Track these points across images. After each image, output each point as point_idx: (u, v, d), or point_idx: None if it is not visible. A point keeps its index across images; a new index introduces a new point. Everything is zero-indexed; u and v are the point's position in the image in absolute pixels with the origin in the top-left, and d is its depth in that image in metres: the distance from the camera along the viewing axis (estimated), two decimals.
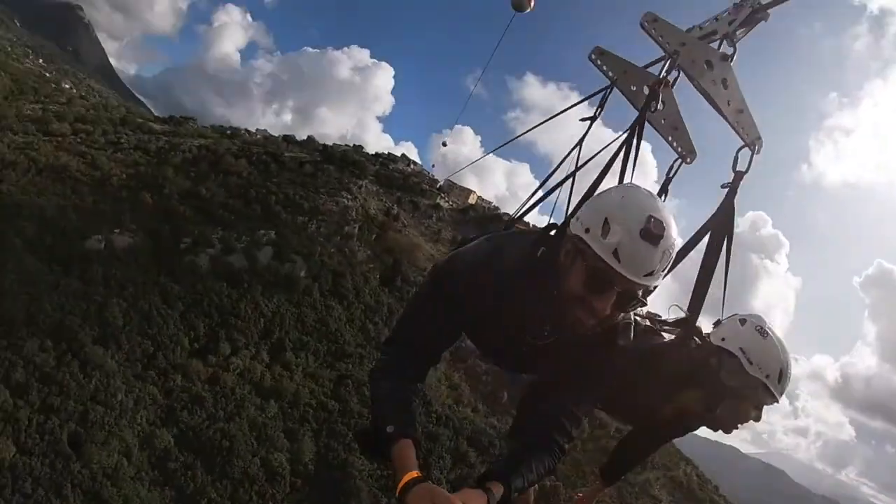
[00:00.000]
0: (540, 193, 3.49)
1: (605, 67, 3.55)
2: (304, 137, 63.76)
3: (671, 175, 3.49)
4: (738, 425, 2.53)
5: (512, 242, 2.21)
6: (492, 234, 2.44)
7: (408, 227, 51.97)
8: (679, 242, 1.95)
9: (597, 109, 3.65)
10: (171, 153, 51.36)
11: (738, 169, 3.18)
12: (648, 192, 1.99)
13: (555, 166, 3.62)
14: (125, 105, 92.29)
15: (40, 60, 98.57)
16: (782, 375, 2.40)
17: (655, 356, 2.57)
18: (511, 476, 1.91)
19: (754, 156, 3.29)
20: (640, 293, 1.89)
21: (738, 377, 2.41)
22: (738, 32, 3.58)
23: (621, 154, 3.08)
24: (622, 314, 2.03)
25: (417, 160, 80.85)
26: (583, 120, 3.68)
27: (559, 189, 3.38)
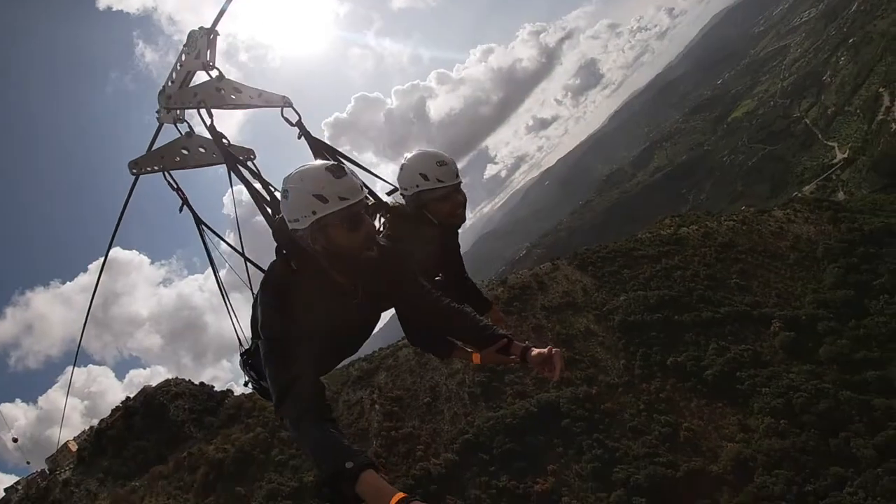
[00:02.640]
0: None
1: (147, 169, 3.81)
2: None
3: (258, 174, 3.65)
4: (457, 211, 3.43)
5: (271, 269, 2.56)
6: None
7: None
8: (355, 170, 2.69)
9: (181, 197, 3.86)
10: None
11: (294, 121, 3.88)
12: (304, 165, 2.52)
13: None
14: None
15: None
16: (441, 164, 3.32)
17: (391, 235, 3.32)
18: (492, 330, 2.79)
19: (294, 107, 3.96)
20: (367, 205, 2.50)
21: (410, 200, 3.42)
22: (209, 56, 3.74)
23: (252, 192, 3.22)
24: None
25: None
26: (182, 209, 3.91)
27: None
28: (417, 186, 3.36)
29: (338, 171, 2.41)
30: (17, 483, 68.76)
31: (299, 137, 3.92)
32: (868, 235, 53.96)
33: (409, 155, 3.49)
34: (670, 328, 53.26)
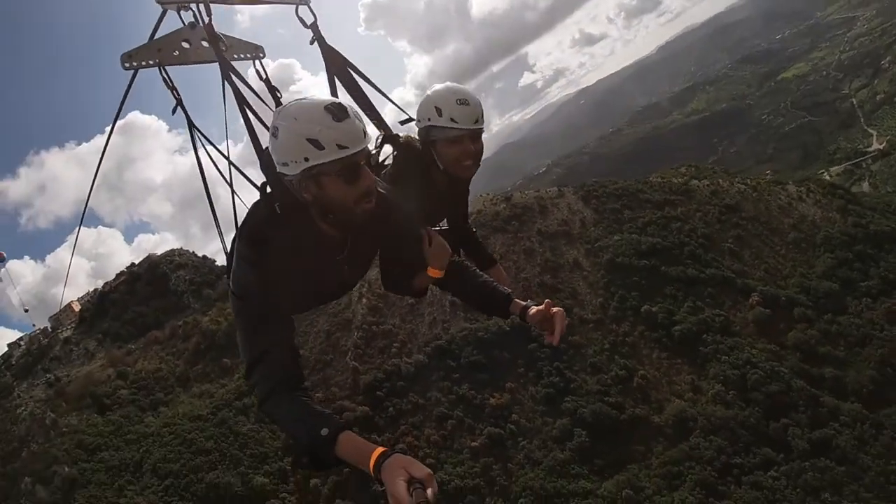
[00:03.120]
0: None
1: (143, 63, 3.16)
2: None
3: (266, 78, 3.23)
4: (464, 161, 2.90)
5: (252, 213, 2.25)
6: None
7: None
8: (355, 106, 2.17)
9: (174, 94, 3.25)
10: None
11: (309, 23, 3.33)
12: (301, 99, 2.10)
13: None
14: None
15: None
16: (439, 110, 2.82)
17: (397, 174, 2.94)
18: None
19: (310, 6, 3.44)
20: (369, 154, 2.16)
21: (432, 132, 2.90)
22: None
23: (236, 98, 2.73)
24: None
25: None
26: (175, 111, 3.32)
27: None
28: (429, 120, 2.94)
29: (339, 112, 2.05)
30: (20, 339, 71.42)
31: (312, 42, 3.42)
32: (871, 234, 53.28)
33: (435, 86, 3.03)
34: (654, 277, 53.87)
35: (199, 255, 76.42)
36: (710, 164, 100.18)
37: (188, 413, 48.53)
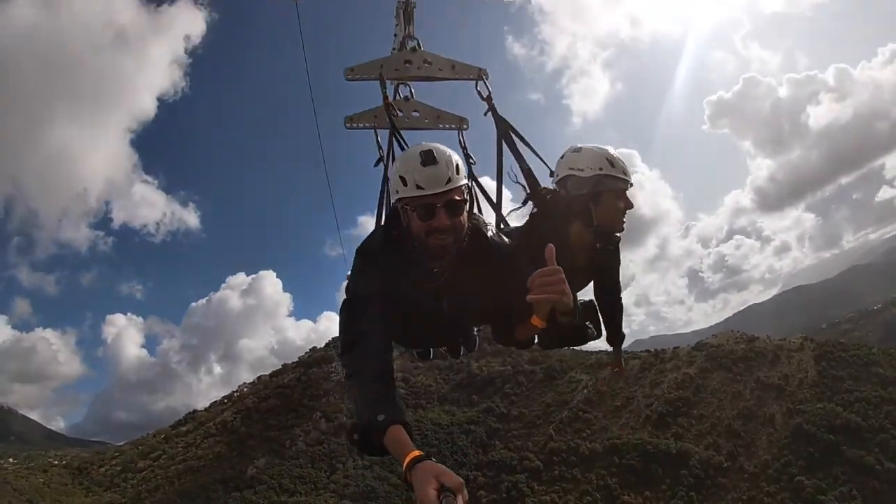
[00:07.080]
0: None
1: (361, 125, 3.98)
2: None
3: (464, 147, 3.90)
4: (620, 219, 2.86)
5: (371, 233, 2.63)
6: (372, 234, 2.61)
7: None
8: (454, 155, 2.29)
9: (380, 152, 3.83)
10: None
11: (485, 95, 3.83)
12: (419, 144, 2.37)
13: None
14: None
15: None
16: (612, 161, 2.79)
17: (531, 227, 2.99)
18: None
19: (488, 80, 3.94)
20: (456, 196, 2.25)
21: (582, 184, 2.81)
22: (409, 28, 4.18)
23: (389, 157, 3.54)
24: (463, 221, 2.30)
25: None
26: (377, 165, 3.76)
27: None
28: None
29: (427, 159, 2.25)
30: None
31: (485, 114, 3.75)
32: None
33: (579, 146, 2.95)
34: (829, 454, 54.30)
35: None
36: None
37: (434, 419, 72.90)
